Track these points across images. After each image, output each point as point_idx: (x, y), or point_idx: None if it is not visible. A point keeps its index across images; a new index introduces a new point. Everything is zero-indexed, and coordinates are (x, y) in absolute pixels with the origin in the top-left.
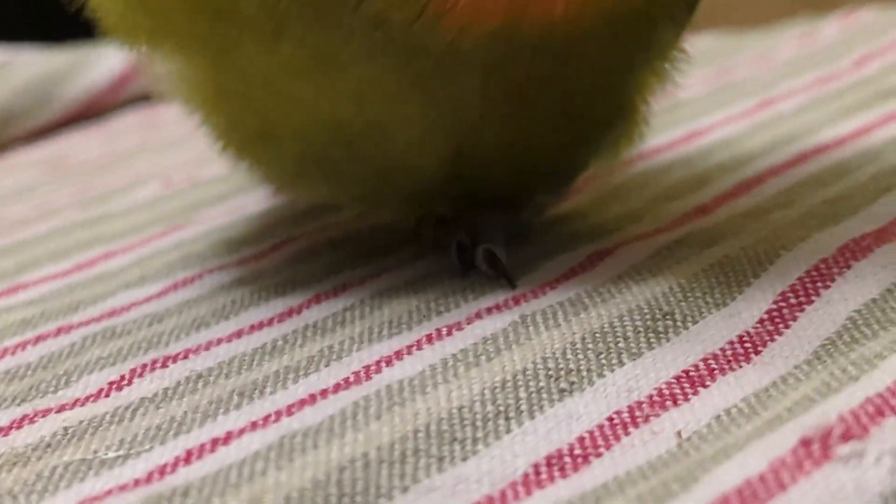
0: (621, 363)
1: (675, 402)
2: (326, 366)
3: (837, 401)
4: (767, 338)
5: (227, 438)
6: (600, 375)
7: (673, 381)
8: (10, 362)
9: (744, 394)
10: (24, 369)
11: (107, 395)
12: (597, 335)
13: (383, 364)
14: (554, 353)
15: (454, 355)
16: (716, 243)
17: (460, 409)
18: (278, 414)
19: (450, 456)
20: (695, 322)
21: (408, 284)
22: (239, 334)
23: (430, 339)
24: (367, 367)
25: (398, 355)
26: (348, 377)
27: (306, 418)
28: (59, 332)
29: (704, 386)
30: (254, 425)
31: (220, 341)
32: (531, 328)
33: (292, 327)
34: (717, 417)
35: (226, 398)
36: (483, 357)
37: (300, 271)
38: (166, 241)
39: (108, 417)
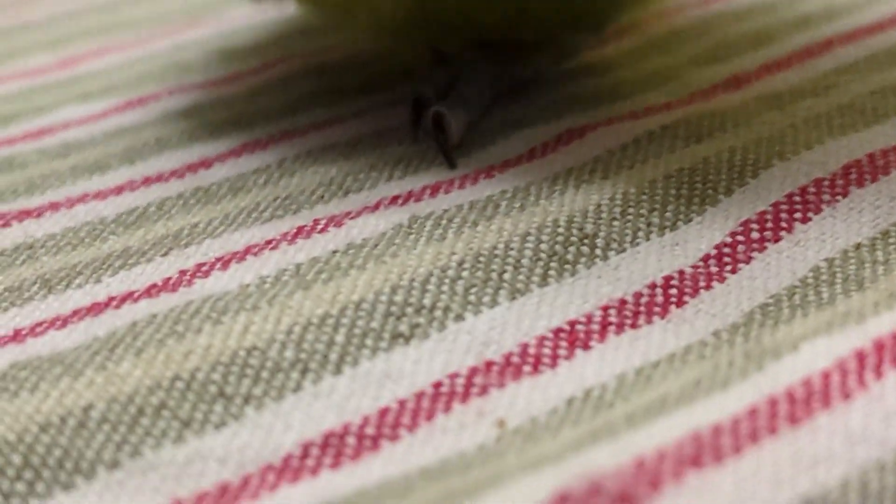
0: (494, 303)
1: (534, 369)
2: (164, 255)
3: (711, 410)
4: (703, 284)
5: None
6: (458, 318)
7: (549, 335)
8: None
9: (622, 368)
10: None
11: None
12: (481, 258)
13: (213, 269)
14: (411, 281)
15: (294, 268)
16: (709, 136)
17: (250, 350)
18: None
19: (202, 419)
20: (619, 251)
21: (347, 144)
22: (130, 186)
23: (298, 233)
24: (195, 270)
25: (243, 255)
26: (159, 283)
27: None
28: None
29: (586, 348)
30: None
31: (100, 194)
32: (411, 237)
33: (190, 185)
34: (569, 401)
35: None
36: (324, 275)
37: (260, 104)
38: (163, 44)
39: None
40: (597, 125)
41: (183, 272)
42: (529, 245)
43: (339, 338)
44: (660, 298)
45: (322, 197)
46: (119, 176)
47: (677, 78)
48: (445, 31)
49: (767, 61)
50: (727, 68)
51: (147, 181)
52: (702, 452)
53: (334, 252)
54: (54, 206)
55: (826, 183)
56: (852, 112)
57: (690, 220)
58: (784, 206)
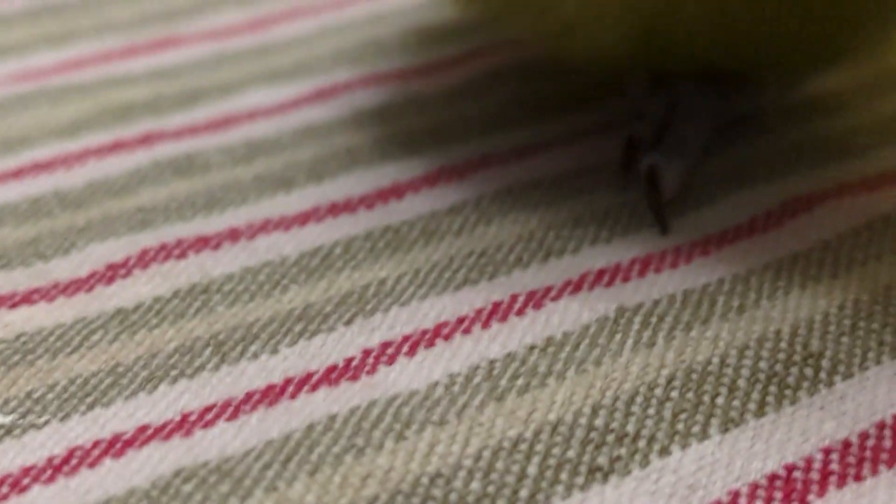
0: (705, 435)
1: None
2: (347, 323)
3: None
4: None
5: None
6: (664, 452)
7: (762, 482)
8: None
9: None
10: None
11: None
12: (693, 375)
13: (399, 352)
14: (615, 400)
15: (487, 366)
16: None
17: (433, 478)
18: None
19: None
20: (846, 375)
21: (551, 183)
22: (315, 216)
23: (493, 312)
24: (380, 352)
25: (432, 337)
26: (340, 365)
27: None
28: None
29: (802, 503)
30: None
31: (283, 222)
32: (617, 338)
33: (379, 221)
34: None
35: None
36: (520, 382)
37: (458, 110)
38: (360, 10)
39: None
40: (825, 195)
41: (367, 352)
42: (747, 362)
43: (532, 469)
44: (888, 443)
45: (521, 259)
46: (305, 198)
47: None
48: (667, 58)
49: None
50: None
51: (334, 210)
52: None
53: (532, 348)
54: (234, 236)
55: None
56: None
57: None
58: None
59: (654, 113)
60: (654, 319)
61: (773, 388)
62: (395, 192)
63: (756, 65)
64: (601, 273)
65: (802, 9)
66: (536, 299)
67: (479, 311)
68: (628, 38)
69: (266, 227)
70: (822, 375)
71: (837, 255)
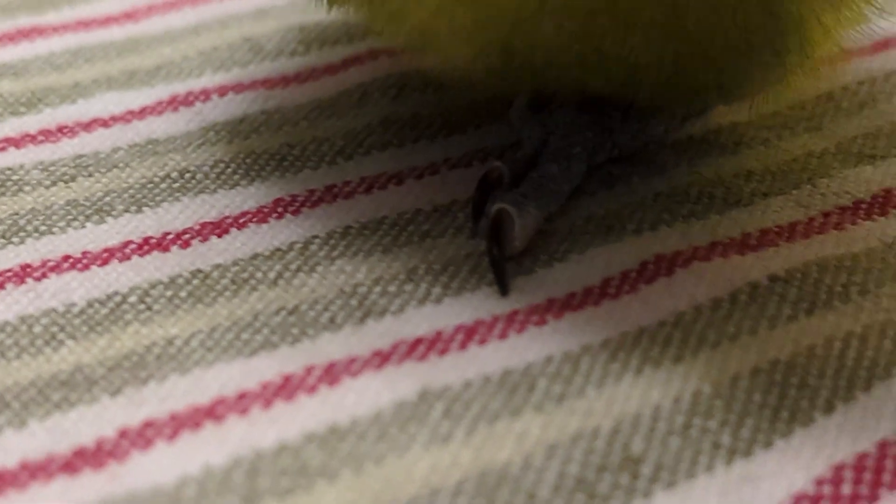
0: None
1: None
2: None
3: None
4: None
5: None
6: None
7: None
8: None
9: None
10: None
11: None
12: (484, 486)
13: (156, 439)
14: None
15: (250, 453)
16: (828, 305)
17: None
18: None
19: None
20: (669, 485)
21: (394, 223)
22: (100, 259)
23: (283, 386)
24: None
25: (197, 422)
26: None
27: None
28: None
29: None
30: None
31: (65, 261)
32: (402, 440)
33: (175, 267)
34: None
35: None
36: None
37: (323, 129)
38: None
39: None
40: (693, 255)
41: (124, 433)
42: (554, 465)
43: None
44: None
45: (334, 320)
46: (117, 229)
47: (821, 175)
48: (535, 79)
49: None
50: (889, 170)
51: (145, 246)
52: None
53: (310, 438)
54: (21, 275)
55: None
56: None
57: (771, 446)
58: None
59: (526, 145)
60: (457, 407)
61: (579, 498)
62: (218, 227)
63: (638, 95)
64: (417, 343)
65: (677, 38)
66: (334, 374)
67: (265, 387)
68: (487, 53)
69: (60, 265)
70: (640, 484)
71: (688, 332)
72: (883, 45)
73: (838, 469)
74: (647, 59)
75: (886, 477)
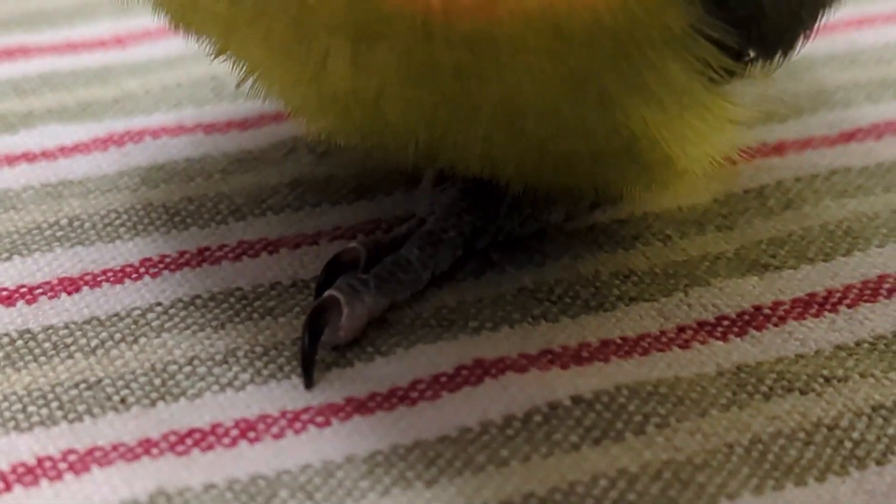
0: None
1: None
2: None
3: None
4: None
5: None
6: None
7: None
8: None
9: None
10: None
11: None
12: None
13: None
14: None
15: None
16: (620, 438)
17: None
18: None
19: None
20: None
21: (242, 297)
22: None
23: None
24: None
25: None
26: None
27: None
28: None
29: None
30: None
31: None
32: None
33: None
34: None
35: None
36: None
37: (202, 190)
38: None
39: None
40: (511, 365)
41: None
42: None
43: None
44: None
45: (124, 401)
46: None
47: (700, 283)
48: (423, 160)
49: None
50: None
51: None
52: None
53: None
54: None
55: None
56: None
57: None
58: None
59: (410, 222)
60: None
61: None
62: (73, 284)
63: (515, 183)
64: (188, 434)
65: (521, 138)
66: (86, 462)
67: (14, 469)
68: (346, 129)
69: None
70: None
71: (460, 452)
72: (847, 136)
73: None
74: (499, 153)
75: None
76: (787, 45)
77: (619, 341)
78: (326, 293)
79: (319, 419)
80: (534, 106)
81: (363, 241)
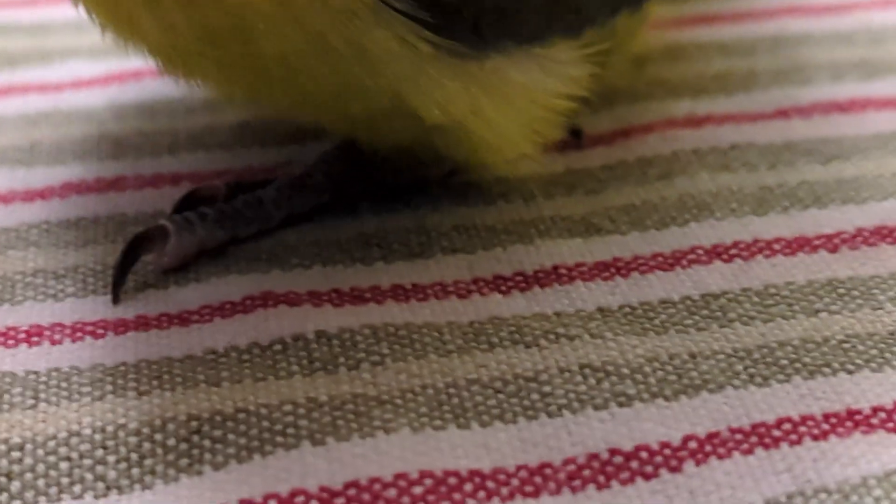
0: None
1: None
2: None
3: None
4: None
5: None
6: None
7: None
8: None
9: None
10: None
11: None
12: None
13: None
14: None
15: None
16: None
17: None
18: None
19: None
20: None
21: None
22: None
23: None
24: None
25: None
26: None
27: None
28: None
29: None
30: None
31: None
32: None
33: None
34: None
35: None
36: None
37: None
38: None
39: None
40: (284, 300)
41: None
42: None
43: None
44: None
45: None
46: None
47: (526, 240)
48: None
49: None
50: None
51: None
52: None
53: None
54: None
55: None
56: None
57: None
58: None
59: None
60: None
61: None
62: None
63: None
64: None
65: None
66: None
67: None
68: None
69: None
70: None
71: (201, 368)
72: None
73: None
74: (312, 112)
75: None
76: (526, 32)
77: (408, 286)
78: (160, 222)
79: (100, 331)
80: (301, 67)
81: (229, 180)
